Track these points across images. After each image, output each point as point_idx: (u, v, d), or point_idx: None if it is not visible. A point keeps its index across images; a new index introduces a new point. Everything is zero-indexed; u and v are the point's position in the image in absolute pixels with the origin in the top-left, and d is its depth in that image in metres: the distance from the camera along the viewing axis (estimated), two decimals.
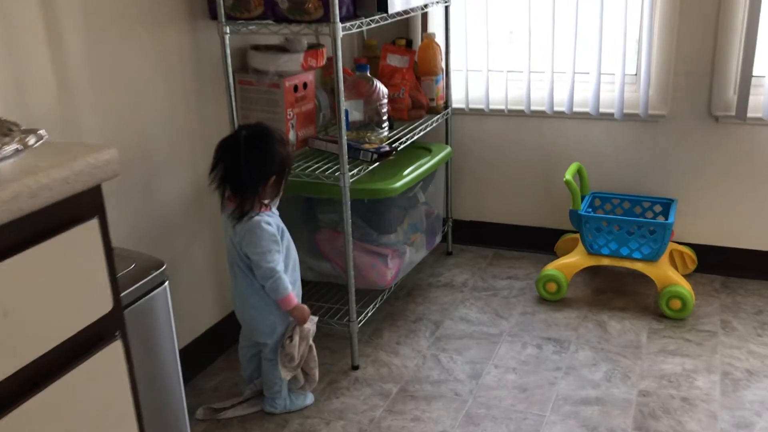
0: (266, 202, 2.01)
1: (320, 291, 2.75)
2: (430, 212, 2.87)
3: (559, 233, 3.14)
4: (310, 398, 2.24)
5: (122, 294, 1.17)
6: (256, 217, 1.98)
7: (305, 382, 2.19)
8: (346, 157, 2.20)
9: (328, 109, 2.69)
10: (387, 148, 2.36)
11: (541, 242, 3.20)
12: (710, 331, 2.56)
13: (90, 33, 1.89)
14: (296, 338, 2.07)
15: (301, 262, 2.64)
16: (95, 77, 1.92)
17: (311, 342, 2.12)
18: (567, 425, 2.10)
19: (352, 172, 2.26)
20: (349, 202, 2.25)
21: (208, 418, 2.18)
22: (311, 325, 2.10)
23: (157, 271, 1.39)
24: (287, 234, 2.08)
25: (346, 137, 2.19)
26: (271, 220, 2.00)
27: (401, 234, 2.64)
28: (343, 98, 2.16)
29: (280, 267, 2.00)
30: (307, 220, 2.61)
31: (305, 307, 2.08)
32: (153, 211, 2.17)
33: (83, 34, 1.87)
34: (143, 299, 1.35)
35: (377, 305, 2.56)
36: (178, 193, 2.24)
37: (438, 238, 2.97)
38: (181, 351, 2.31)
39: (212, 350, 2.38)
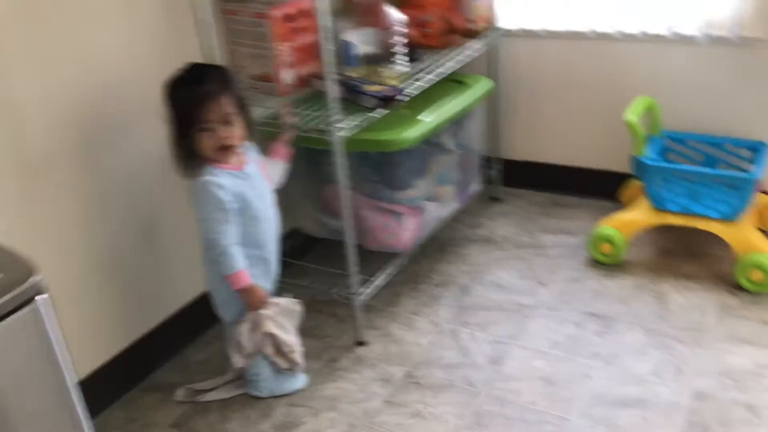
0: (211, 156, 1.70)
1: (331, 251, 2.45)
2: (466, 158, 2.46)
3: (626, 177, 2.66)
4: (301, 380, 1.98)
5: None
6: (205, 177, 1.67)
7: (289, 366, 1.91)
8: (335, 106, 1.82)
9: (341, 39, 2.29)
10: (393, 92, 1.96)
11: (606, 187, 2.72)
12: None
13: None
14: (246, 325, 1.79)
15: (310, 217, 2.36)
16: (21, 12, 1.62)
17: (272, 329, 1.82)
18: None
19: (348, 122, 1.89)
20: (342, 161, 1.89)
21: (187, 401, 1.97)
22: (270, 311, 1.80)
23: (22, 288, 1.09)
24: (256, 200, 1.76)
25: (334, 78, 1.80)
26: (225, 181, 1.68)
27: (423, 188, 2.26)
28: (328, 25, 1.77)
29: (227, 240, 1.70)
30: (314, 172, 2.27)
31: (259, 290, 1.78)
32: (122, 169, 1.90)
33: None
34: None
35: (392, 272, 2.23)
36: (147, 148, 1.95)
37: (475, 187, 2.57)
38: (167, 320, 2.13)
39: (205, 318, 2.15)
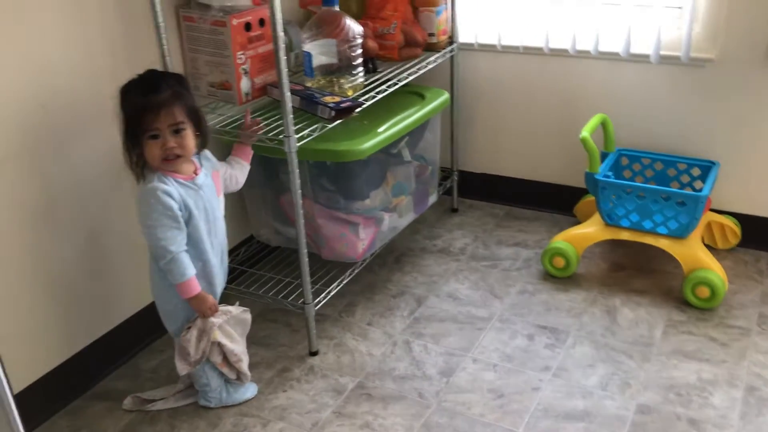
0: (155, 164, 1.68)
1: (286, 259, 2.45)
2: (422, 169, 2.48)
3: (581, 193, 2.70)
4: (251, 390, 1.97)
5: None
6: (153, 183, 1.65)
7: (236, 376, 1.90)
8: (290, 115, 1.82)
9: (301, 49, 2.29)
10: (349, 103, 1.97)
11: (561, 201, 2.77)
12: (742, 327, 2.12)
13: None
14: (194, 332, 1.77)
15: (267, 225, 2.35)
16: None
17: (220, 338, 1.80)
18: None
19: (303, 132, 1.89)
20: (296, 171, 1.89)
21: (135, 409, 1.94)
22: (219, 319, 1.79)
23: None
24: (202, 212, 1.74)
25: (288, 90, 1.80)
26: (173, 189, 1.67)
27: (379, 198, 2.27)
28: (284, 35, 1.77)
29: (176, 246, 1.68)
30: (270, 179, 2.27)
31: (209, 297, 1.76)
32: (68, 176, 1.87)
33: None
34: None
35: (344, 282, 2.23)
36: (100, 155, 1.93)
37: (432, 199, 2.58)
38: (118, 327, 2.10)
39: (158, 326, 2.12)
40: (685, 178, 2.45)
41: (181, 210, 1.68)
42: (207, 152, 1.84)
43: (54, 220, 1.86)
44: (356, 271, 2.29)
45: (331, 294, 2.18)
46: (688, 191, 2.29)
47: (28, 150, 1.76)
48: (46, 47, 1.76)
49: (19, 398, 1.21)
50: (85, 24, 1.84)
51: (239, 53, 2.01)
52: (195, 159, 1.77)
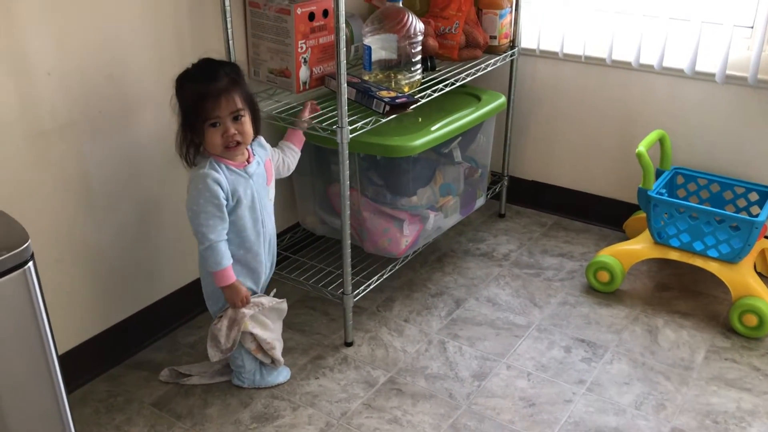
0: (215, 152, 1.71)
1: (329, 249, 2.47)
2: (471, 172, 2.47)
3: (633, 208, 2.66)
4: (284, 374, 1.99)
5: None
6: (204, 169, 1.68)
7: (271, 361, 1.93)
8: (345, 107, 1.84)
9: (362, 43, 2.31)
10: (404, 99, 1.97)
11: (611, 215, 2.73)
12: None
13: None
14: (225, 321, 1.79)
15: (313, 213, 2.38)
16: None
17: (251, 329, 1.83)
18: None
19: (356, 125, 1.91)
20: (347, 162, 1.90)
21: (171, 381, 1.99)
22: (250, 311, 1.81)
23: (14, 252, 1.12)
24: (250, 200, 1.76)
25: (345, 81, 1.82)
26: (222, 178, 1.70)
27: (426, 196, 2.27)
28: (346, 27, 1.78)
29: (215, 235, 1.70)
30: (320, 169, 2.29)
31: (243, 289, 1.79)
32: (126, 149, 1.92)
33: None
34: None
35: (384, 276, 2.23)
36: (159, 133, 1.97)
37: (480, 202, 2.57)
38: (161, 301, 2.15)
39: (199, 302, 2.16)
40: (742, 203, 2.39)
41: (227, 199, 1.70)
42: (261, 139, 1.86)
43: (107, 190, 1.91)
44: (397, 267, 2.29)
45: (371, 287, 2.19)
46: (743, 216, 2.23)
47: (90, 118, 1.81)
48: (120, 22, 1.81)
49: (62, 360, 1.26)
50: (157, 2, 1.89)
51: (301, 42, 2.04)
52: (248, 147, 1.80)
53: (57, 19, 1.68)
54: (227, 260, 1.73)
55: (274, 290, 1.93)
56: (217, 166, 1.69)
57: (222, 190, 1.68)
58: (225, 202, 1.69)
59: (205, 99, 1.64)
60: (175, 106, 1.71)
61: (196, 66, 1.71)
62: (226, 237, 1.73)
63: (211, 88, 1.64)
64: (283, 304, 1.90)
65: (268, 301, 1.86)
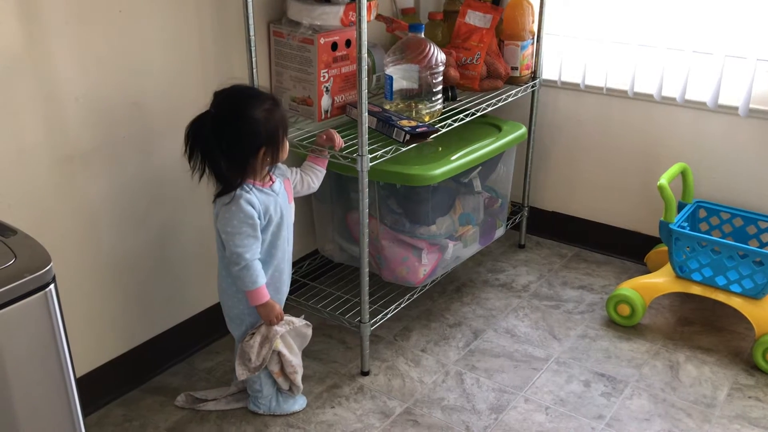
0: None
1: (348, 277, 2.47)
2: (491, 201, 2.47)
3: (654, 241, 2.64)
4: (300, 402, 1.98)
5: None
6: (240, 191, 1.70)
7: (289, 387, 1.92)
8: (365, 135, 1.85)
9: (384, 72, 2.33)
10: (424, 128, 1.98)
11: (632, 248, 2.70)
12: None
13: None
14: (257, 338, 1.80)
15: (332, 241, 2.38)
16: (73, 15, 1.68)
17: (281, 348, 1.83)
18: None
19: (377, 153, 1.91)
20: (366, 190, 1.91)
21: (187, 407, 1.99)
22: (282, 328, 1.82)
23: (36, 274, 1.13)
24: (279, 218, 1.78)
25: (366, 110, 1.83)
26: (254, 198, 1.71)
27: (445, 226, 2.26)
28: (368, 57, 1.80)
29: (251, 254, 1.71)
30: (339, 196, 2.30)
31: (277, 306, 1.79)
32: (148, 174, 1.94)
33: None
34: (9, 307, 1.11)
35: (401, 305, 2.22)
36: (181, 158, 1.99)
37: (500, 232, 2.56)
38: (178, 325, 2.16)
39: (217, 328, 2.17)
40: (765, 237, 2.35)
41: (260, 218, 1.72)
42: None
43: (129, 215, 1.93)
44: (415, 296, 2.28)
45: (388, 316, 2.18)
46: (767, 251, 2.20)
47: (114, 143, 1.84)
48: (147, 50, 1.84)
49: (79, 382, 1.26)
50: (183, 31, 1.92)
51: (323, 71, 2.06)
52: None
53: (88, 47, 1.72)
54: (262, 279, 1.74)
55: (303, 315, 1.94)
56: (248, 188, 1.71)
57: (255, 210, 1.69)
58: (258, 222, 1.71)
59: (285, 123, 1.72)
60: (232, 131, 1.67)
61: (258, 93, 1.72)
62: (259, 256, 1.74)
63: (284, 113, 1.73)
64: (310, 329, 1.91)
65: (298, 320, 1.86)
